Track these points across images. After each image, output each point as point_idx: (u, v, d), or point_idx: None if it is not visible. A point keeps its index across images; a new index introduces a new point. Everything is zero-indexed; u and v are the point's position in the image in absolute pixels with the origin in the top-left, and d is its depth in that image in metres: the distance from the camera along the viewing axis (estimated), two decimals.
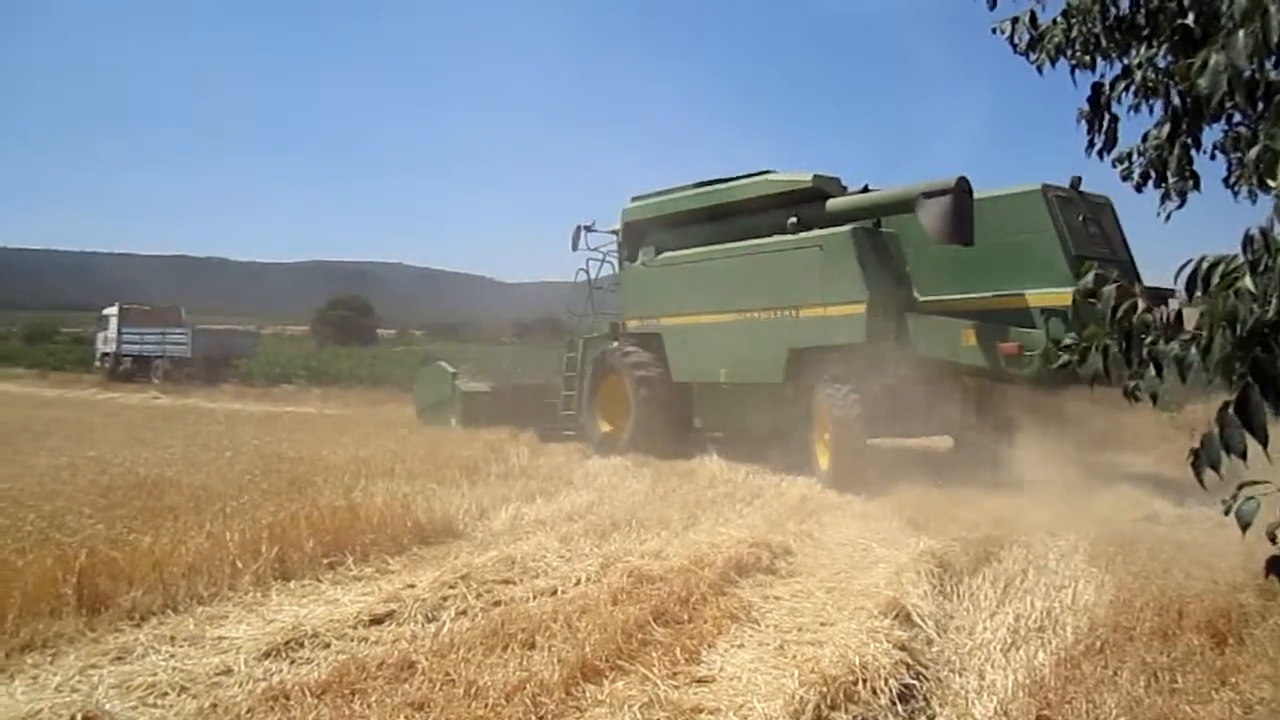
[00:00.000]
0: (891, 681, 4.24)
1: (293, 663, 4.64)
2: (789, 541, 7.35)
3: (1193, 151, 3.50)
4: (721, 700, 4.17)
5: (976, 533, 7.99)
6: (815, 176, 12.11)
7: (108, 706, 3.78)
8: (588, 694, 4.15)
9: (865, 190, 12.09)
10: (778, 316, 11.97)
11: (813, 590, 6.15)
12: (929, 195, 10.57)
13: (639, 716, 3.81)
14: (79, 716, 3.58)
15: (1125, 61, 3.60)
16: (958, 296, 10.93)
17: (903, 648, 4.65)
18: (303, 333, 51.92)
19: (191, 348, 33.78)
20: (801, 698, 3.94)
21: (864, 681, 4.19)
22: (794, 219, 12.03)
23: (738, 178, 13.25)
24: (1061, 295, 9.89)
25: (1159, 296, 9.07)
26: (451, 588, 5.75)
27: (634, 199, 14.64)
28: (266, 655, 4.68)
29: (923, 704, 4.24)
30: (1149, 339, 2.30)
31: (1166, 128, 3.41)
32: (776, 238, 12.18)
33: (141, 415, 19.42)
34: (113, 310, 37.38)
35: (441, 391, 17.27)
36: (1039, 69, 3.75)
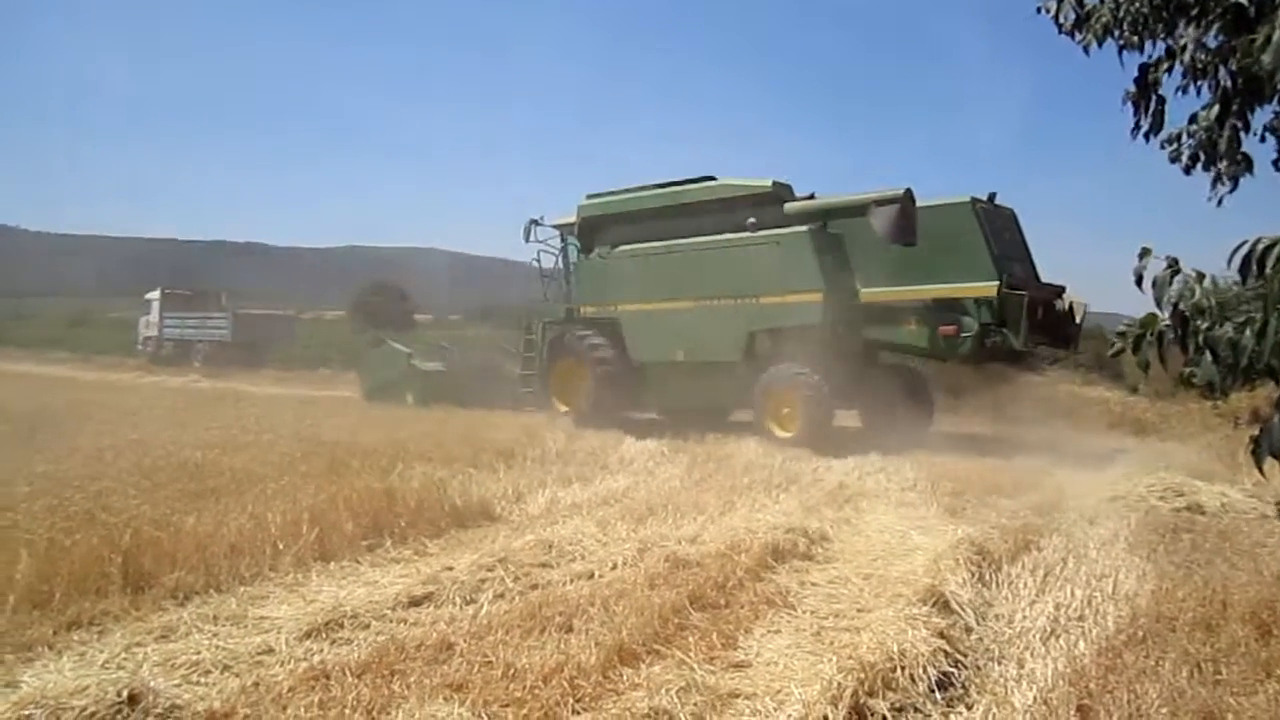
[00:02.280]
0: (930, 669, 4.22)
1: (333, 643, 4.70)
2: (826, 528, 7.32)
3: (1242, 134, 3.42)
4: (758, 685, 4.17)
5: (1015, 521, 7.93)
6: (774, 183, 13.83)
7: (153, 684, 3.82)
8: (625, 677, 4.17)
9: (812, 197, 13.81)
10: (738, 303, 13.73)
11: (850, 577, 6.12)
12: (880, 203, 12.44)
13: (676, 700, 3.81)
14: (125, 693, 3.62)
15: (1170, 42, 3.53)
16: (903, 288, 12.93)
17: (941, 635, 4.62)
18: (341, 317, 52.17)
19: (232, 332, 34.12)
20: (839, 684, 3.92)
21: (902, 669, 4.17)
22: (753, 219, 13.70)
23: (689, 181, 14.91)
24: (987, 288, 12.17)
25: (1054, 291, 11.04)
26: (489, 570, 5.78)
27: (589, 196, 16.05)
28: (307, 635, 4.74)
29: (961, 692, 4.21)
30: (1205, 324, 2.25)
31: (1216, 109, 3.34)
32: (738, 234, 13.82)
33: (183, 399, 19.66)
34: (155, 295, 37.78)
35: (396, 371, 18.45)
36: (1085, 49, 3.68)
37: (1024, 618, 5.35)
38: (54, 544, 5.47)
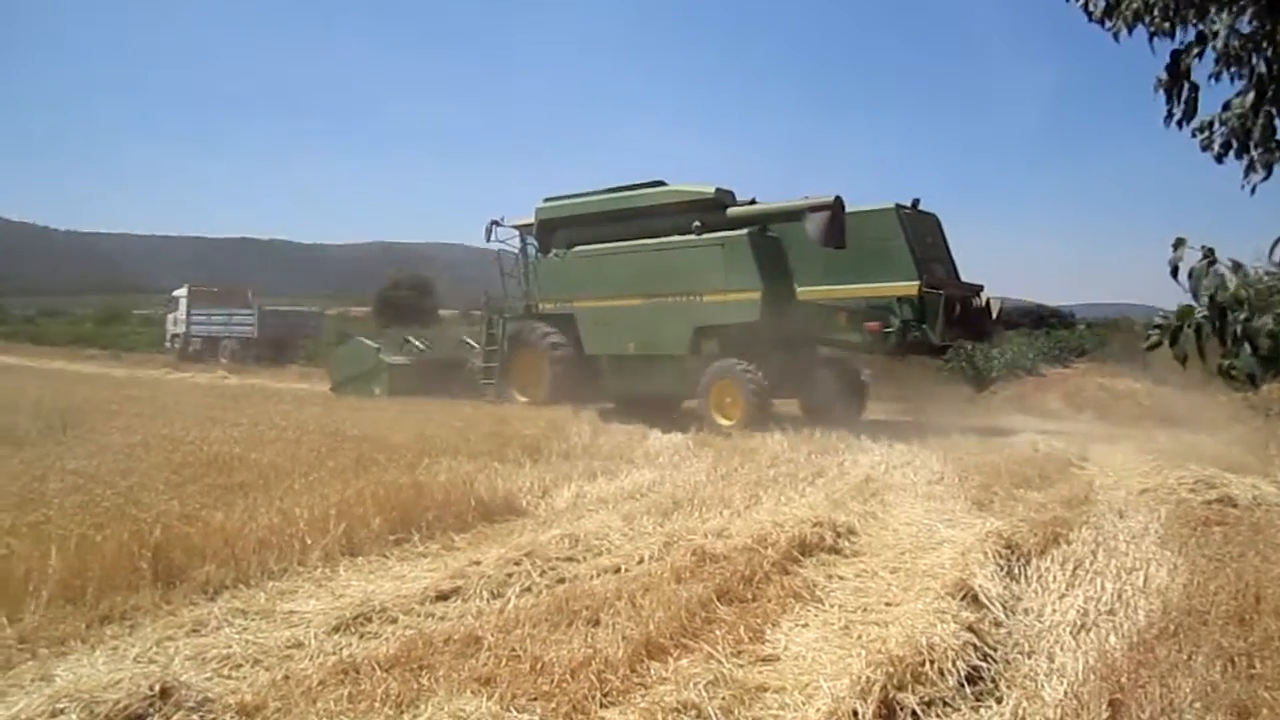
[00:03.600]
0: (959, 663, 4.19)
1: (361, 637, 4.72)
2: (853, 521, 7.28)
3: (1277, 120, 3.37)
4: (787, 679, 4.16)
5: (1044, 514, 7.87)
6: (716, 189, 15.11)
7: (184, 677, 3.86)
8: (652, 671, 4.16)
9: (753, 202, 15.10)
10: (684, 301, 14.86)
11: (877, 570, 6.09)
12: (813, 210, 13.60)
13: (704, 694, 3.80)
14: (157, 687, 3.65)
15: (1200, 28, 3.48)
16: (835, 287, 14.20)
17: (970, 629, 4.59)
18: (366, 313, 52.41)
19: (258, 328, 34.37)
20: (868, 678, 3.90)
21: (931, 663, 4.15)
22: (698, 223, 14.81)
23: (640, 186, 16.09)
24: (909, 287, 13.41)
25: (972, 289, 12.46)
26: (516, 565, 5.79)
27: (546, 200, 17.33)
28: (336, 629, 4.76)
29: (991, 686, 4.18)
30: (1243, 315, 2.21)
31: (1250, 96, 3.29)
32: (684, 236, 14.96)
33: (211, 395, 19.79)
34: (182, 292, 38.11)
35: (364, 364, 19.15)
36: (1115, 36, 3.63)
37: (1054, 611, 5.31)
38: (85, 539, 5.51)
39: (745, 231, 14.41)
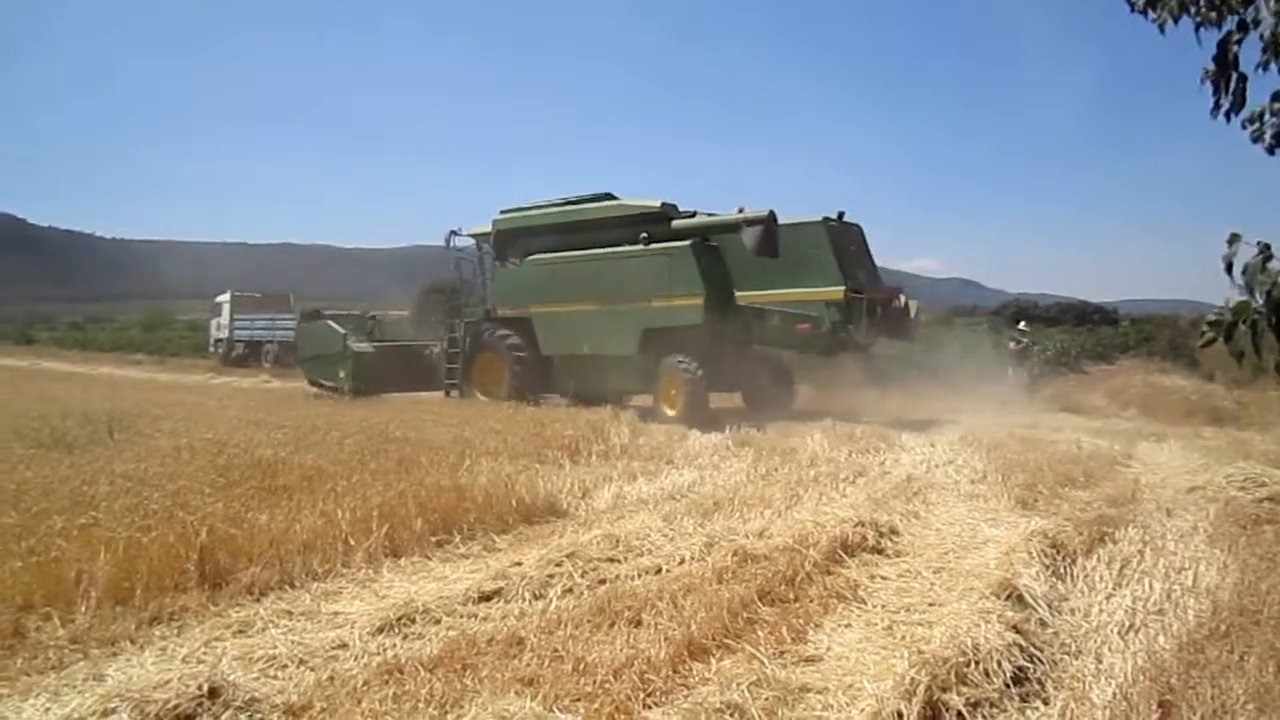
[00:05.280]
0: (1005, 664, 4.15)
1: (405, 638, 4.75)
2: (895, 521, 7.23)
3: None
4: (830, 680, 4.14)
5: (1089, 513, 7.78)
6: (662, 203, 16.18)
7: (231, 677, 3.90)
8: (695, 672, 4.16)
9: (694, 215, 16.20)
10: (634, 306, 15.93)
11: (920, 570, 6.05)
12: (750, 223, 14.79)
13: (747, 695, 3.79)
14: (205, 686, 3.70)
15: (1243, 16, 3.40)
16: (769, 292, 15.65)
17: (1015, 629, 4.55)
18: (404, 316, 52.78)
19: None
20: (912, 679, 3.87)
21: (976, 663, 4.11)
22: (645, 234, 15.93)
23: (590, 197, 17.35)
24: (835, 292, 15.12)
25: (891, 293, 15.96)
26: (557, 566, 5.80)
27: (503, 211, 18.38)
28: (380, 630, 4.80)
29: (1038, 687, 4.14)
30: None
31: None
32: (633, 246, 16.08)
33: (254, 398, 19.99)
34: (225, 298, 38.53)
35: (330, 347, 19.61)
36: (1160, 27, 3.56)
37: (1101, 611, 5.25)
38: (134, 541, 5.59)
39: (689, 242, 15.50)
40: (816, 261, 15.41)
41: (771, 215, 14.70)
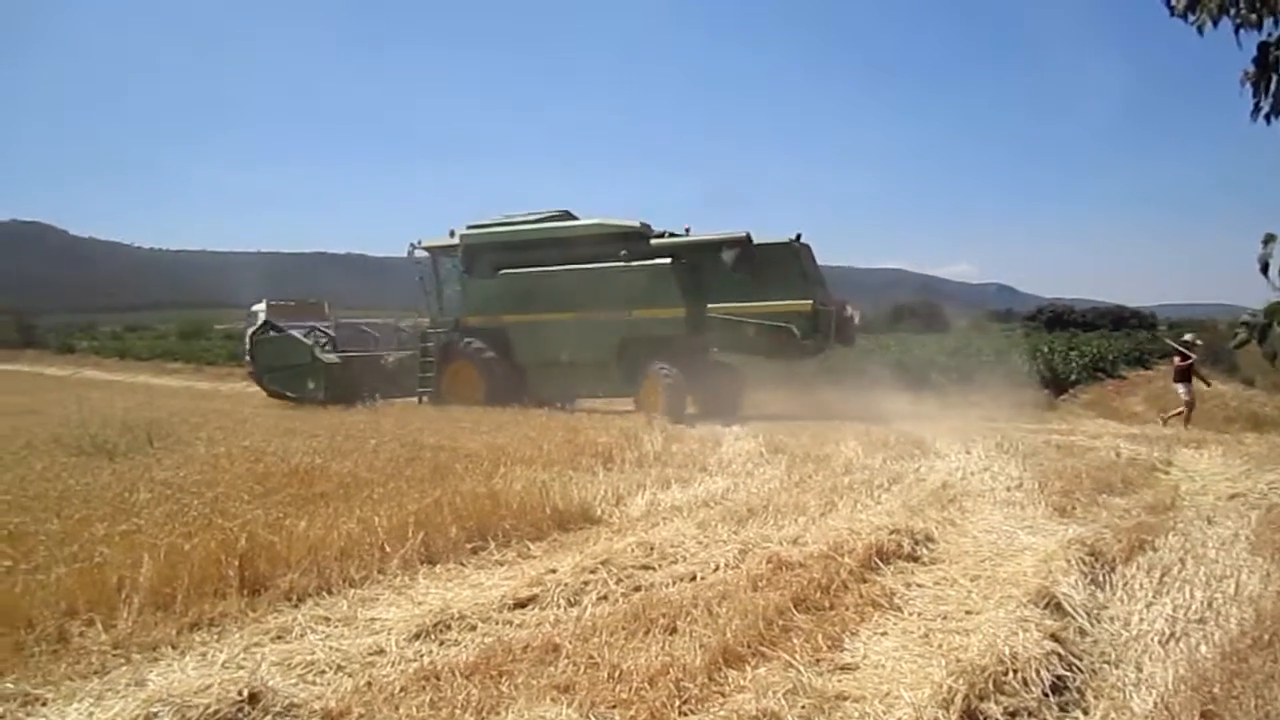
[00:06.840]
0: (1043, 672, 4.12)
1: (441, 644, 4.79)
2: (930, 528, 7.17)
3: None
4: (866, 688, 4.12)
5: (1128, 520, 7.69)
6: (640, 223, 17.90)
7: (271, 683, 3.94)
8: (730, 679, 4.16)
9: (666, 235, 17.95)
10: (615, 316, 17.32)
11: (957, 578, 5.99)
12: (728, 243, 16.93)
13: (783, 702, 3.78)
14: (246, 692, 3.74)
15: None
16: (744, 304, 16.61)
17: (1054, 638, 4.51)
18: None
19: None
20: (950, 687, 3.85)
21: (1014, 672, 4.08)
22: (624, 251, 17.43)
23: (552, 216, 18.83)
24: (804, 305, 16.33)
25: (840, 304, 17.90)
26: (592, 573, 5.81)
27: (470, 226, 19.40)
28: (416, 636, 4.84)
29: (1077, 696, 4.10)
30: None
31: None
32: (614, 263, 17.47)
33: (290, 406, 20.16)
34: (260, 306, 38.77)
35: (297, 359, 20.27)
36: (1199, 29, 3.53)
37: (1140, 620, 5.18)
38: (174, 548, 5.67)
39: (669, 259, 17.14)
40: (786, 277, 16.72)
41: (747, 237, 16.79)
